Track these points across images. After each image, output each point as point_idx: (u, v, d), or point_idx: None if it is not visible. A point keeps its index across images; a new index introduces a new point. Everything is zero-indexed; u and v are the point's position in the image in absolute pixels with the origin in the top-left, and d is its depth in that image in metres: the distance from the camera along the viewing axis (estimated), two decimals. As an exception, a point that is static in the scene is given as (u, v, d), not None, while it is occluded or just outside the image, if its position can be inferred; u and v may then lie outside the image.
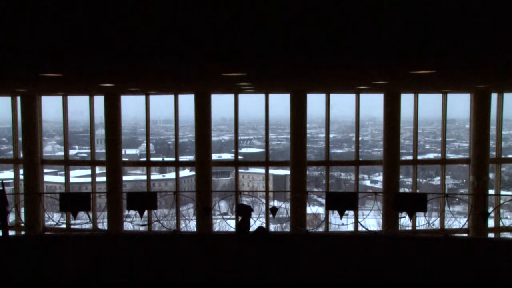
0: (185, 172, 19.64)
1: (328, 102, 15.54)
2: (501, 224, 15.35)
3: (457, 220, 15.30)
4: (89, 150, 16.79)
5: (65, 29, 5.50)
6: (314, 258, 9.31)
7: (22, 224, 15.01)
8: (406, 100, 15.52)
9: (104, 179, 16.00)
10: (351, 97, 15.70)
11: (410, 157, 16.28)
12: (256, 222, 10.99)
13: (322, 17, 5.27)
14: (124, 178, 16.63)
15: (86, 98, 15.92)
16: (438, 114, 16.20)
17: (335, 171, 21.04)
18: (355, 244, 9.73)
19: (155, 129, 23.01)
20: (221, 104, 16.01)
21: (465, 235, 15.20)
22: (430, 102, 16.51)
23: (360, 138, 16.17)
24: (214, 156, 16.56)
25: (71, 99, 16.14)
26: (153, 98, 15.99)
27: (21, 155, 16.30)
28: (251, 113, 19.41)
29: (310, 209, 17.14)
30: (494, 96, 15.68)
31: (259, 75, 9.89)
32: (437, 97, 15.96)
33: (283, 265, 9.19)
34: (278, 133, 23.77)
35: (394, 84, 12.88)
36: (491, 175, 16.29)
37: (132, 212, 11.67)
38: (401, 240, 10.33)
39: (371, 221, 15.76)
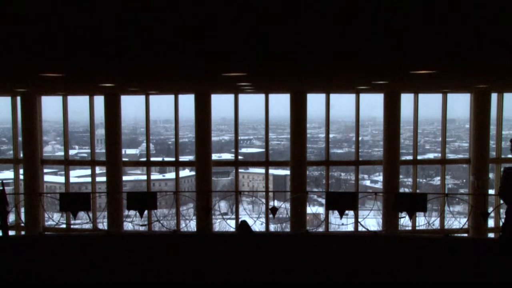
0: (185, 172, 19.64)
1: (328, 102, 15.54)
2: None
3: (457, 220, 15.30)
4: (89, 150, 16.79)
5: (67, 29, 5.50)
6: (314, 258, 9.30)
7: (22, 224, 15.01)
8: (406, 100, 15.54)
9: (104, 179, 16.00)
10: (351, 97, 15.71)
11: (410, 157, 16.28)
12: (256, 222, 11.04)
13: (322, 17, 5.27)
14: (124, 178, 16.64)
15: (86, 98, 15.92)
16: (438, 114, 16.19)
17: (335, 171, 21.03)
18: (355, 244, 9.73)
19: (155, 129, 23.01)
20: (221, 104, 16.01)
21: (465, 235, 15.20)
22: (430, 102, 16.51)
23: (360, 138, 16.17)
24: (214, 156, 16.55)
25: (71, 99, 16.14)
26: (153, 98, 15.98)
27: (21, 155, 16.29)
28: (251, 113, 19.41)
29: (310, 209, 17.14)
30: (494, 96, 15.68)
31: (260, 75, 9.88)
32: (437, 97, 15.96)
33: (283, 265, 9.18)
34: (278, 133, 23.77)
35: (394, 84, 12.87)
36: (491, 175, 16.29)
37: (132, 212, 11.68)
38: (401, 240, 10.33)
39: (371, 221, 15.77)
